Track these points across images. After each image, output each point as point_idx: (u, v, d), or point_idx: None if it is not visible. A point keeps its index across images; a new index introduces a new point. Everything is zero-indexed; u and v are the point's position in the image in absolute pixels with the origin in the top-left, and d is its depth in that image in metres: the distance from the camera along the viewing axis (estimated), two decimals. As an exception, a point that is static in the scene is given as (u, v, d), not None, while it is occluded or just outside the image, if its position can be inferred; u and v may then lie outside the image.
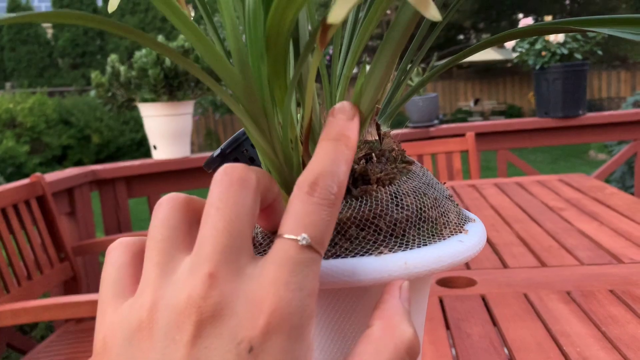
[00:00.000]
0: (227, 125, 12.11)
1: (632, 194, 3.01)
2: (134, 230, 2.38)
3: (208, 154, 2.42)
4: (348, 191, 0.27)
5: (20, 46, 12.86)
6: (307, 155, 0.27)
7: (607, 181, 3.71)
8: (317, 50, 0.23)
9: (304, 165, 0.27)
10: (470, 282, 0.82)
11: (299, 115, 0.28)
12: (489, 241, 1.02)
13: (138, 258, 0.25)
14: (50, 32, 13.87)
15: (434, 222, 0.27)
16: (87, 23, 0.20)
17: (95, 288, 2.06)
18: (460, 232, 0.28)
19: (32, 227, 1.66)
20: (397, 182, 0.28)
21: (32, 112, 9.55)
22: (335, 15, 0.20)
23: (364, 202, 0.26)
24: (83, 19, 0.20)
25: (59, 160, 10.17)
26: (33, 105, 9.59)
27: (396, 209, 0.26)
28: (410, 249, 0.26)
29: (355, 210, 0.26)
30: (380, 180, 0.28)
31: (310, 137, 0.27)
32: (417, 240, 0.26)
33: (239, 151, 0.32)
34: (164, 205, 0.24)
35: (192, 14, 0.29)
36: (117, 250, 0.25)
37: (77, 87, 12.69)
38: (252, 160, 0.32)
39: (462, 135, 2.13)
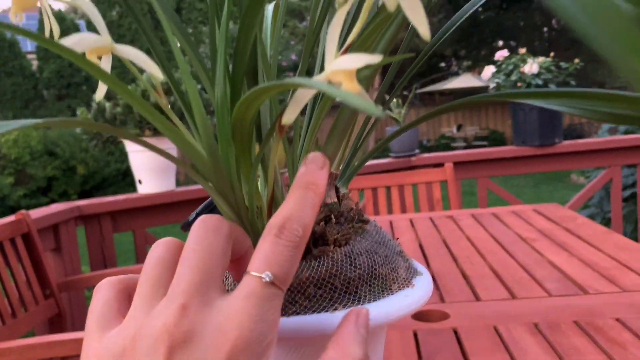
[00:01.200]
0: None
1: (609, 218, 3.07)
2: (118, 265, 2.38)
3: (193, 187, 2.45)
4: (308, 251, 0.31)
5: (4, 78, 12.85)
6: (272, 221, 0.31)
7: (586, 206, 3.79)
8: (277, 137, 0.27)
9: (268, 232, 0.30)
10: (444, 316, 0.86)
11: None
12: (463, 273, 1.06)
13: (123, 294, 0.29)
14: (35, 63, 13.89)
15: (384, 278, 0.31)
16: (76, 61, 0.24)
17: (80, 324, 2.06)
18: (408, 287, 0.32)
19: (17, 264, 1.67)
20: (352, 242, 0.32)
21: (16, 143, 9.53)
22: (288, 118, 0.24)
23: (322, 262, 0.30)
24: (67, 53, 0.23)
25: (44, 192, 10.09)
26: (17, 137, 9.56)
27: (350, 268, 0.30)
28: (362, 304, 0.29)
29: (314, 270, 0.30)
30: (337, 241, 0.31)
31: (273, 205, 0.31)
32: (368, 296, 0.30)
33: (213, 213, 0.35)
34: (160, 247, 0.28)
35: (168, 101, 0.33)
36: (104, 288, 0.29)
37: (62, 119, 12.67)
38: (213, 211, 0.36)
39: (442, 164, 2.18)
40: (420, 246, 1.28)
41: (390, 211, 2.11)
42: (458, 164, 2.70)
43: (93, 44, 0.26)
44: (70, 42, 0.24)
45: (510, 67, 2.91)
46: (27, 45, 16.25)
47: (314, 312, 0.29)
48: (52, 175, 10.02)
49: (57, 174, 10.09)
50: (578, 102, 0.37)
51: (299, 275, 0.29)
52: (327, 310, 0.29)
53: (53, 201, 9.98)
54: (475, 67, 15.26)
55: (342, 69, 0.23)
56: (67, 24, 13.16)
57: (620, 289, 0.91)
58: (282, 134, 0.27)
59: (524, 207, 1.63)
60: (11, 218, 1.74)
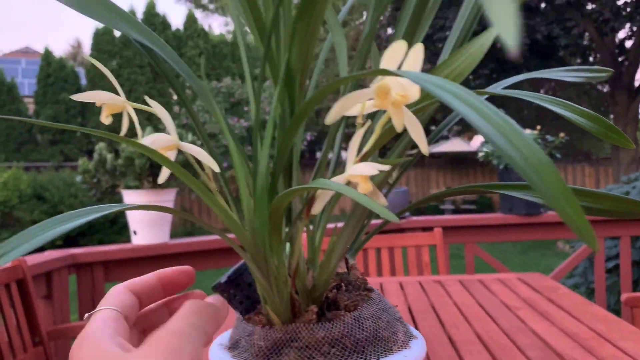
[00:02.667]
0: (202, 204, 12.15)
1: (593, 289, 3.13)
2: (107, 315, 2.38)
3: (186, 240, 2.49)
4: (322, 314, 0.37)
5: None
6: (294, 288, 0.37)
7: (571, 275, 3.85)
8: (304, 220, 0.34)
9: (292, 298, 0.36)
10: (431, 379, 0.90)
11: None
12: (450, 338, 1.11)
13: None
14: (31, 107, 14.06)
15: (386, 340, 0.37)
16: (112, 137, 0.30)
17: (65, 374, 2.04)
18: (405, 348, 0.38)
19: (9, 309, 1.68)
20: (360, 308, 0.38)
21: (5, 186, 9.52)
22: (316, 209, 0.31)
23: (335, 324, 0.36)
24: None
25: (29, 236, 9.99)
26: (7, 179, 9.57)
27: (358, 331, 0.36)
28: (367, 361, 0.35)
29: (328, 331, 0.36)
30: (347, 306, 0.38)
31: (297, 275, 0.37)
32: (372, 355, 0.36)
33: (241, 278, 0.41)
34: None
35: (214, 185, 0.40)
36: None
37: (54, 163, 12.73)
38: (249, 285, 0.42)
39: (432, 228, 2.25)
40: (410, 310, 1.33)
41: (380, 273, 2.16)
42: (447, 228, 2.77)
43: (165, 143, 0.33)
44: (149, 141, 0.31)
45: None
46: (25, 90, 16.47)
47: (327, 367, 0.34)
48: (39, 219, 9.96)
49: (44, 218, 10.02)
50: None
51: (315, 334, 0.35)
52: (338, 366, 0.34)
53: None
54: (465, 132, 15.62)
55: (359, 174, 0.30)
56: (68, 71, 13.42)
57: (597, 359, 0.96)
58: (308, 219, 0.34)
59: (509, 276, 1.69)
60: (8, 264, 1.77)
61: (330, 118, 0.29)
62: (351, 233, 0.36)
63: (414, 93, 0.29)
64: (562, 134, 3.00)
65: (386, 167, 0.30)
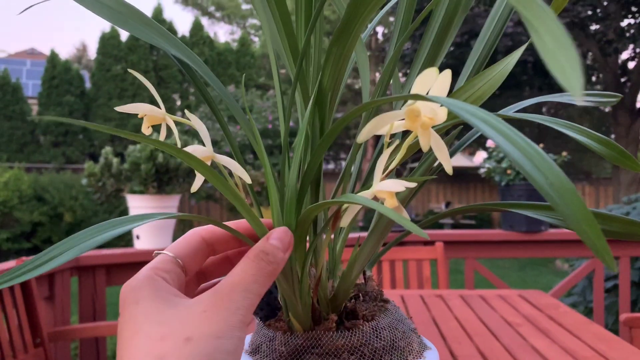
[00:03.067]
0: (202, 212, 12.15)
1: (592, 308, 3.14)
2: (107, 320, 2.40)
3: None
4: (341, 322, 0.39)
5: (3, 121, 13.01)
6: (316, 297, 0.39)
7: (570, 294, 3.85)
8: (329, 232, 0.36)
9: (313, 306, 0.38)
10: (433, 391, 0.92)
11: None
12: (451, 353, 1.12)
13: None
14: (35, 109, 14.12)
15: (402, 350, 0.39)
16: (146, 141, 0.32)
17: (64, 376, 2.05)
18: (420, 358, 0.39)
19: (12, 309, 1.69)
20: (377, 318, 0.40)
21: (6, 186, 9.53)
22: (344, 222, 0.32)
23: (354, 333, 0.38)
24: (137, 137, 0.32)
25: (27, 237, 10.00)
26: (9, 179, 9.58)
27: (376, 340, 0.38)
28: (385, 370, 0.37)
29: (347, 340, 0.37)
30: (365, 316, 0.39)
31: (320, 285, 0.39)
32: (389, 363, 0.37)
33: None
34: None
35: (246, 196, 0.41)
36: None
37: (55, 165, 12.76)
38: (270, 293, 0.43)
39: (433, 242, 2.26)
40: (411, 322, 1.34)
41: (380, 286, 2.17)
42: (447, 243, 2.78)
43: (202, 154, 0.35)
44: (190, 150, 0.33)
45: (502, 154, 3.06)
46: (29, 91, 16.53)
47: (347, 373, 0.36)
48: (38, 220, 9.96)
49: (43, 219, 10.03)
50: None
51: (335, 342, 0.37)
52: (357, 373, 0.36)
53: (36, 247, 9.88)
54: (468, 148, 15.64)
55: (387, 190, 0.32)
56: (73, 74, 13.48)
57: (597, 378, 0.97)
58: (334, 230, 0.36)
59: (510, 292, 1.71)
60: (12, 263, 1.78)
61: (362, 137, 0.31)
62: (374, 246, 0.38)
63: (441, 116, 0.30)
64: (564, 153, 3.02)
65: (412, 185, 0.31)
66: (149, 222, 0.29)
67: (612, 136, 11.46)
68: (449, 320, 1.37)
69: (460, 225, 12.19)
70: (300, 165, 0.36)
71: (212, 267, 0.40)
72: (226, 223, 0.35)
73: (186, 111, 0.36)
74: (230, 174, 0.40)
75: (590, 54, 10.67)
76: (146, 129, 0.35)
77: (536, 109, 14.51)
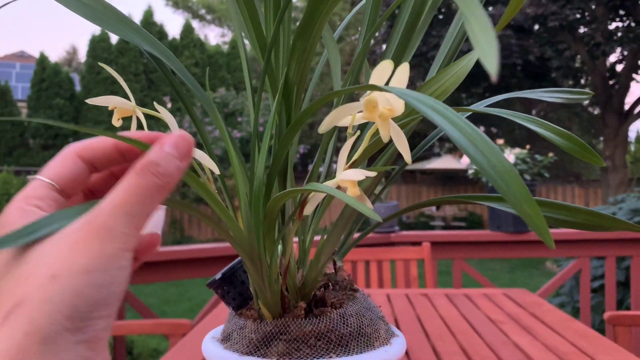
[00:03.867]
0: (192, 215, 12.11)
1: (579, 308, 3.16)
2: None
3: (177, 248, 2.51)
4: (310, 310, 0.40)
5: (-9, 124, 12.94)
6: (285, 285, 0.40)
7: (558, 294, 3.88)
8: (296, 221, 0.37)
9: (282, 294, 0.39)
10: (414, 386, 0.93)
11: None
12: (434, 349, 1.13)
13: None
14: (24, 112, 14.03)
15: (369, 336, 0.40)
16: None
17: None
18: (387, 344, 0.40)
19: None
20: (345, 306, 0.41)
21: (-5, 189, 9.46)
22: (308, 209, 0.33)
23: (321, 320, 0.39)
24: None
25: (17, 241, 9.92)
26: (-3, 183, 9.51)
27: (343, 326, 0.39)
28: (351, 355, 0.38)
29: (315, 326, 0.38)
30: (333, 304, 0.40)
31: (288, 272, 0.40)
32: (356, 349, 0.38)
33: (235, 276, 0.44)
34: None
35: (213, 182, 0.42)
36: None
37: (42, 164, 12.68)
38: (243, 283, 0.44)
39: (421, 243, 2.28)
40: (396, 321, 1.35)
41: (368, 285, 2.18)
42: (435, 244, 2.80)
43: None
44: (156, 143, 0.34)
45: (489, 155, 3.08)
46: (19, 94, 16.44)
47: (313, 358, 0.37)
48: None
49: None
50: (544, 209, 0.48)
51: (303, 328, 0.38)
52: (323, 358, 0.37)
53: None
54: (457, 150, 15.72)
55: (348, 179, 0.33)
56: (62, 77, 13.43)
57: (575, 373, 0.99)
58: (300, 220, 0.37)
59: (495, 291, 1.72)
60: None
61: (324, 127, 0.32)
62: (339, 235, 0.39)
63: (399, 107, 0.31)
64: (550, 154, 3.05)
65: (373, 174, 0.32)
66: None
67: (601, 138, 11.57)
68: (433, 319, 1.38)
69: (451, 228, 12.24)
70: (269, 156, 0.37)
71: (100, 185, 0.35)
72: (121, 133, 0.31)
73: (155, 103, 0.37)
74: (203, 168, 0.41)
75: (578, 56, 10.77)
76: (116, 121, 0.36)
77: (527, 111, 14.60)
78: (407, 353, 1.11)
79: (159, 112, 0.36)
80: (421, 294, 1.67)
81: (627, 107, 11.06)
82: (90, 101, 0.35)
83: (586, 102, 13.44)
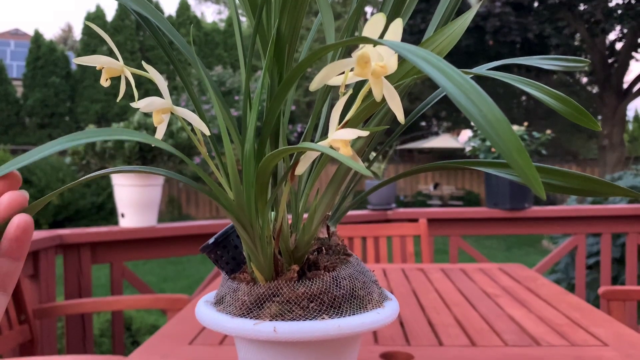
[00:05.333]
0: (190, 194, 12.13)
1: (574, 284, 3.19)
2: (94, 296, 2.40)
3: (174, 224, 2.51)
4: (303, 273, 0.40)
5: (-13, 103, 12.84)
6: (277, 248, 0.40)
7: (553, 271, 3.91)
8: (288, 183, 0.37)
9: (275, 257, 0.39)
10: (409, 357, 0.93)
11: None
12: (429, 321, 1.14)
13: None
14: (20, 90, 13.92)
15: (362, 299, 0.40)
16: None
17: (50, 352, 2.06)
18: (379, 307, 0.40)
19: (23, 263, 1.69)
20: (338, 269, 0.41)
21: (-8, 169, 9.42)
22: (300, 170, 0.33)
23: (314, 282, 0.39)
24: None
25: (15, 220, 9.92)
26: (-6, 162, 9.48)
27: (336, 289, 0.39)
28: (344, 316, 0.38)
29: (308, 288, 0.38)
30: (326, 267, 0.40)
31: (281, 236, 0.39)
32: (349, 311, 0.38)
33: (228, 240, 0.44)
34: None
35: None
36: None
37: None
38: (236, 247, 0.44)
39: (417, 219, 2.28)
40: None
41: (364, 261, 2.19)
42: (432, 221, 2.81)
43: (160, 106, 0.35)
44: (145, 103, 0.34)
45: (486, 132, 3.07)
46: (14, 72, 16.29)
47: (306, 319, 0.37)
48: (25, 203, 9.88)
49: (30, 202, 9.95)
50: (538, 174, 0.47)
51: (296, 290, 0.38)
52: (316, 319, 0.37)
53: (23, 230, 9.80)
54: (455, 129, 15.70)
55: (340, 138, 0.32)
56: (58, 55, 13.30)
57: (569, 343, 0.99)
58: (293, 181, 0.36)
59: (491, 266, 1.73)
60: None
61: (315, 84, 0.32)
62: (332, 197, 0.38)
63: (392, 64, 0.31)
64: (548, 131, 3.05)
65: (365, 133, 0.32)
66: (87, 141, 0.30)
67: (599, 117, 11.54)
68: (428, 292, 1.39)
69: (448, 206, 12.27)
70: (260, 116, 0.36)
71: None
72: None
73: (143, 63, 0.36)
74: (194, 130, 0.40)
75: (578, 34, 10.69)
76: (104, 81, 0.35)
77: (523, 91, 14.53)
78: (402, 325, 1.12)
79: (147, 72, 0.35)
80: (417, 269, 1.68)
81: (625, 85, 11.02)
82: (78, 60, 0.35)
83: (585, 81, 13.38)
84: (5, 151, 9.84)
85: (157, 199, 2.43)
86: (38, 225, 9.81)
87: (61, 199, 10.20)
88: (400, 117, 0.33)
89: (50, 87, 13.02)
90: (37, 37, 13.21)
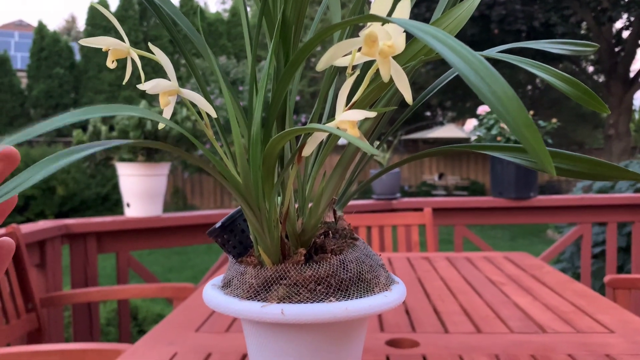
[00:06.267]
0: (195, 184, 12.16)
1: (580, 274, 3.19)
2: (100, 285, 2.42)
3: (180, 214, 2.52)
4: (310, 257, 0.40)
5: (-8, 94, 12.87)
6: (284, 231, 0.40)
7: (558, 260, 3.91)
8: (295, 165, 0.36)
9: (281, 238, 0.39)
10: (414, 344, 0.94)
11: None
12: (434, 309, 1.14)
13: None
14: (24, 82, 13.93)
15: (369, 282, 0.40)
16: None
17: (57, 341, 2.08)
18: (387, 290, 0.40)
19: (3, 276, 1.70)
20: (345, 253, 0.41)
21: (-3, 160, 9.46)
22: (307, 151, 0.33)
23: (321, 265, 0.39)
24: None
25: (20, 211, 9.99)
26: None
27: (343, 272, 0.39)
28: (351, 299, 0.38)
29: (315, 271, 0.38)
30: (333, 250, 0.40)
31: (287, 219, 0.39)
32: (356, 294, 0.38)
33: (235, 224, 0.44)
34: None
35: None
36: None
37: (46, 138, 12.66)
38: (243, 232, 0.44)
39: (422, 209, 2.28)
40: (396, 282, 1.36)
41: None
42: (437, 210, 2.80)
43: (167, 88, 0.35)
44: (150, 85, 0.33)
45: (492, 121, 3.06)
46: (18, 63, 16.30)
47: (313, 302, 0.37)
48: (31, 194, 9.94)
49: (35, 193, 10.01)
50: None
51: (303, 273, 0.38)
52: (323, 301, 0.37)
53: (29, 220, 9.88)
54: (460, 119, 15.64)
55: (348, 119, 0.32)
56: (62, 46, 13.30)
57: (575, 330, 0.99)
58: (300, 163, 0.36)
59: (496, 254, 1.73)
60: (2, 231, 1.79)
61: (322, 64, 0.31)
62: (338, 181, 0.38)
63: (400, 43, 0.31)
64: (554, 120, 3.03)
65: (372, 114, 0.32)
66: (93, 151, 0.30)
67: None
68: (434, 280, 1.39)
69: (453, 196, 12.26)
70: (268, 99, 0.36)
71: None
72: None
73: (150, 44, 0.36)
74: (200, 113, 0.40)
75: (584, 23, 10.60)
76: (110, 63, 0.35)
77: (531, 81, 14.44)
78: (407, 312, 1.12)
79: (154, 54, 0.35)
80: (422, 257, 1.68)
81: (632, 74, 10.94)
82: (83, 42, 0.35)
83: (591, 70, 13.29)
84: (10, 142, 9.85)
85: (163, 188, 2.44)
86: (43, 216, 9.86)
87: (66, 190, 10.24)
88: (408, 97, 0.33)
89: (54, 78, 13.03)
90: (41, 28, 13.21)
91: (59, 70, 13.02)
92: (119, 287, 1.94)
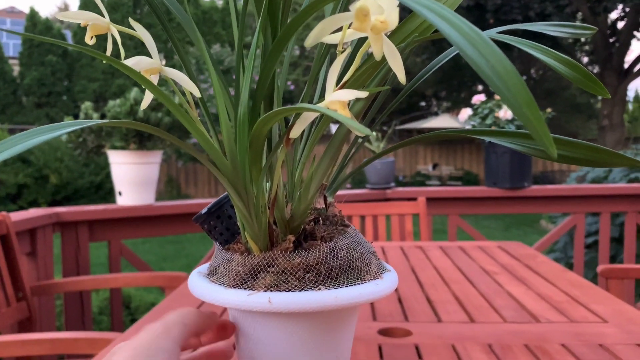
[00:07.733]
0: (189, 173, 12.12)
1: (572, 264, 3.20)
2: (92, 274, 2.40)
3: (172, 203, 2.50)
4: (299, 244, 0.38)
5: (-16, 82, 12.74)
6: (272, 217, 0.38)
7: (552, 250, 3.92)
8: (283, 148, 0.35)
9: (269, 224, 0.38)
10: (407, 333, 0.93)
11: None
12: (427, 298, 1.13)
13: None
14: (17, 69, 13.80)
15: (359, 270, 0.38)
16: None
17: (48, 329, 2.06)
18: (378, 278, 0.39)
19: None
20: (335, 240, 0.39)
21: (-11, 148, 9.39)
22: (295, 132, 0.31)
23: (311, 253, 0.37)
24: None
25: (13, 199, 9.93)
26: (-8, 141, 9.43)
27: (333, 259, 0.37)
28: (341, 287, 0.36)
29: (304, 259, 0.37)
30: (323, 237, 0.39)
31: (276, 204, 0.38)
32: (346, 282, 0.37)
33: (222, 210, 0.42)
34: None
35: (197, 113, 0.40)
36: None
37: (39, 126, 12.57)
38: (230, 218, 0.43)
39: (416, 199, 2.27)
40: (390, 272, 1.35)
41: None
42: (431, 200, 2.80)
43: (148, 65, 0.34)
44: (132, 62, 0.32)
45: (486, 111, 3.05)
46: (10, 51, 16.14)
47: (301, 290, 0.36)
48: (24, 182, 9.88)
49: (28, 181, 9.95)
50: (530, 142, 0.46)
51: (292, 260, 0.37)
52: (312, 290, 0.36)
53: (22, 209, 9.82)
54: (454, 109, 15.64)
55: (338, 99, 0.31)
56: (54, 33, 13.16)
57: (568, 320, 0.99)
58: (288, 146, 0.35)
59: (490, 244, 1.72)
60: (-9, 218, 1.76)
61: (310, 41, 0.30)
62: (328, 165, 0.37)
63: (393, 19, 0.29)
64: (548, 109, 3.02)
65: (363, 94, 0.30)
66: (69, 130, 0.28)
67: (599, 97, 11.48)
68: (427, 269, 1.39)
69: (447, 186, 12.28)
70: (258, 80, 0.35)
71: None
72: None
73: (130, 19, 0.34)
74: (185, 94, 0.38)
75: (580, 13, 10.58)
76: (89, 39, 0.34)
77: (526, 69, 14.44)
78: (400, 301, 1.11)
79: (135, 30, 0.33)
80: (415, 247, 1.68)
81: (626, 65, 10.94)
82: (61, 16, 0.33)
83: (586, 60, 13.28)
84: (3, 131, 9.79)
85: (155, 177, 2.42)
86: (36, 205, 9.81)
87: (59, 179, 10.17)
88: (402, 77, 0.31)
89: (47, 66, 12.91)
90: (33, 15, 13.07)
91: (51, 57, 12.90)
92: (111, 276, 1.92)
